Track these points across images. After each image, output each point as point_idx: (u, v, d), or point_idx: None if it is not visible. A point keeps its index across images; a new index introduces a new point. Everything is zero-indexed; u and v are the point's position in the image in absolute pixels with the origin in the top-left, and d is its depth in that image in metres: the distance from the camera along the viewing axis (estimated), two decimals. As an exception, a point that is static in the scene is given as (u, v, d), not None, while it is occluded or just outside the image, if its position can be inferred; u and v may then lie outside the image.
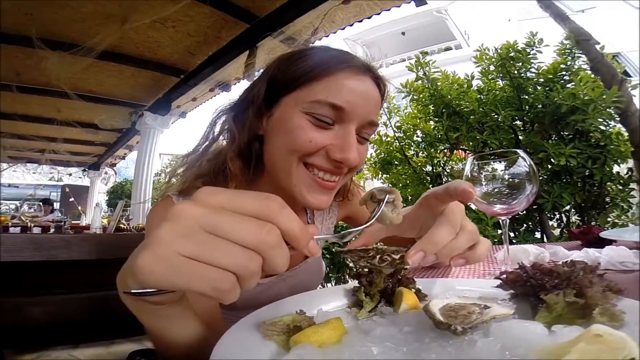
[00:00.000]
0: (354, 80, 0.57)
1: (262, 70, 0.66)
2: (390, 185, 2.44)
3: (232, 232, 0.26)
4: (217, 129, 0.68)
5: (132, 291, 0.28)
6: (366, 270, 0.45)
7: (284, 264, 0.27)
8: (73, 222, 5.51)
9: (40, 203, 5.02)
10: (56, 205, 7.78)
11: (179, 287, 0.26)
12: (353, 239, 0.45)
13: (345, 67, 0.57)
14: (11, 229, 3.12)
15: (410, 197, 2.34)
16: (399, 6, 2.97)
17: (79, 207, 9.05)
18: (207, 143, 0.68)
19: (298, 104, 0.57)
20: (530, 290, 0.38)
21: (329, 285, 2.48)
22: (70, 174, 9.89)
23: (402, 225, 0.47)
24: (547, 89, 1.95)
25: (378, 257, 0.39)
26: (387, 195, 0.44)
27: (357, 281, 0.46)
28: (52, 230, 3.31)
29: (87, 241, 0.71)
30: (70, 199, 8.98)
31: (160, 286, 0.26)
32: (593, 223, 1.83)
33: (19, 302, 0.66)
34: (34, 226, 3.23)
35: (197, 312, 0.39)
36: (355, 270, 0.46)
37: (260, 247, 0.26)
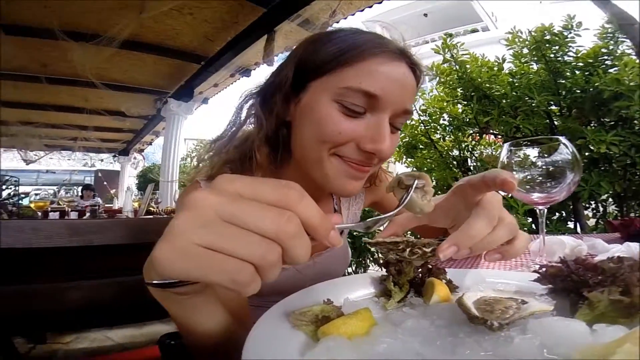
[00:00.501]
0: (389, 66, 0.53)
1: (287, 53, 0.63)
2: (414, 169, 2.39)
3: (250, 221, 0.24)
4: (244, 114, 0.66)
5: (154, 282, 0.28)
6: (395, 259, 0.43)
7: (305, 254, 0.26)
8: (106, 205, 5.82)
9: (81, 188, 5.32)
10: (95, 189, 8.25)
11: (196, 278, 0.25)
12: (380, 229, 0.43)
13: (380, 51, 0.53)
14: (50, 214, 3.33)
15: (435, 182, 2.28)
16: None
17: (112, 191, 9.55)
18: (234, 129, 0.66)
19: (327, 90, 0.54)
20: (571, 285, 0.36)
21: (349, 269, 2.49)
22: (102, 160, 10.41)
23: (433, 214, 0.43)
24: (587, 73, 1.82)
25: (408, 249, 0.37)
26: (416, 181, 0.40)
27: (384, 269, 0.45)
28: (87, 214, 3.50)
29: (120, 225, 0.73)
30: (104, 183, 9.49)
31: (179, 277, 0.25)
32: (633, 214, 1.72)
33: (58, 287, 0.69)
34: (72, 211, 3.43)
35: (223, 300, 0.39)
36: (384, 258, 0.45)
37: (279, 237, 0.25)
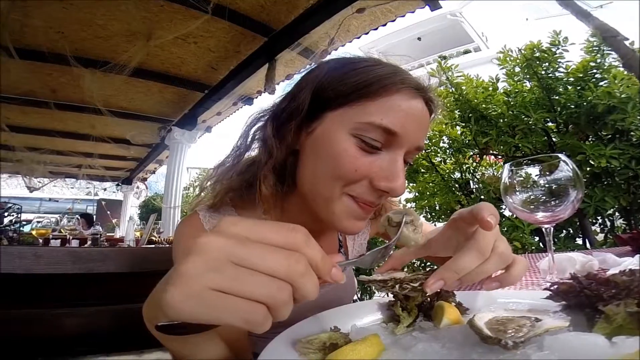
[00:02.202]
0: (411, 102, 0.52)
1: (288, 81, 0.64)
2: (417, 194, 2.38)
3: (261, 263, 0.25)
4: (250, 138, 0.63)
5: (163, 323, 0.27)
6: (421, 296, 0.43)
7: (315, 291, 0.27)
8: (108, 234, 5.79)
9: (79, 217, 5.32)
10: (94, 218, 8.24)
11: (210, 321, 0.25)
12: (381, 262, 0.44)
13: (404, 87, 0.52)
14: (52, 242, 3.31)
15: (438, 206, 2.27)
16: (413, 12, 2.95)
17: (114, 220, 9.52)
18: (238, 152, 0.64)
19: (345, 123, 0.51)
20: (585, 301, 0.35)
21: (354, 297, 2.42)
22: (105, 189, 10.47)
23: (434, 246, 0.47)
24: (578, 88, 1.86)
25: (397, 286, 0.39)
26: (405, 217, 0.44)
27: (392, 295, 0.44)
28: (89, 242, 3.48)
29: (122, 254, 0.73)
30: (107, 212, 9.49)
31: (192, 320, 0.26)
32: (641, 228, 1.69)
33: (55, 314, 0.68)
34: (73, 239, 3.42)
35: (221, 332, 0.38)
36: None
37: (290, 276, 0.26)
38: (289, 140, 0.56)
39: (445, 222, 0.48)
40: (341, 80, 0.53)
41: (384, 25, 3.13)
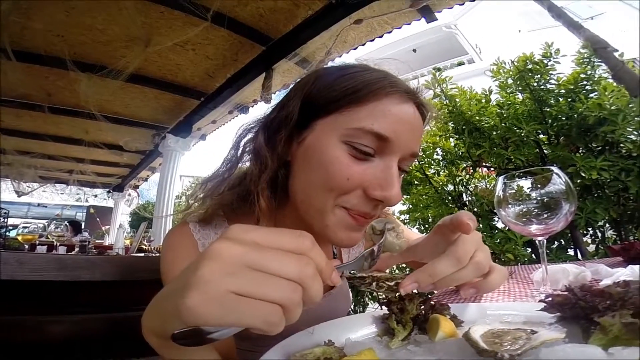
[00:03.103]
0: (401, 106, 0.51)
1: (285, 91, 0.62)
2: (410, 206, 2.39)
3: (275, 267, 0.27)
4: (240, 150, 0.61)
5: (179, 331, 0.27)
6: (397, 296, 0.43)
7: (321, 293, 0.29)
8: (97, 241, 5.67)
9: (67, 223, 5.21)
10: (82, 225, 8.09)
11: (232, 323, 0.26)
12: (371, 263, 0.46)
13: (394, 91, 0.50)
14: (38, 247, 3.24)
15: (432, 218, 2.27)
16: (409, 23, 3.02)
17: (103, 228, 9.35)
18: (229, 165, 0.62)
19: (335, 130, 0.50)
20: (580, 312, 0.36)
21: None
22: (95, 195, 10.30)
23: (419, 252, 0.50)
24: (569, 100, 1.89)
25: (374, 283, 0.41)
26: (387, 224, 0.48)
27: (386, 308, 0.44)
28: (76, 249, 3.41)
29: (110, 262, 0.71)
30: (96, 219, 9.32)
31: (212, 324, 0.26)
32: (631, 238, 1.71)
33: (41, 321, 0.67)
34: (60, 245, 3.34)
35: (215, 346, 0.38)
36: (385, 297, 0.45)
37: (301, 279, 0.28)
38: (279, 150, 0.55)
39: None
40: (330, 87, 0.52)
41: (381, 36, 3.19)
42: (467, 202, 2.25)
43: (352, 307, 2.40)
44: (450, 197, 2.27)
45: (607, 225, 1.88)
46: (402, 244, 0.46)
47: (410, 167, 2.37)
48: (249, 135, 0.61)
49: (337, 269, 0.34)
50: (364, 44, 3.30)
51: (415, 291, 0.41)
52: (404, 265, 1.76)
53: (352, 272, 0.41)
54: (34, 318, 0.66)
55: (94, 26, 2.93)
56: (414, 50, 13.33)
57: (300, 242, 0.29)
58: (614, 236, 1.86)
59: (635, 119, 1.68)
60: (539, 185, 0.57)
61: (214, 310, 0.25)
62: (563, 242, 1.92)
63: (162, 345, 0.35)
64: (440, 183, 2.33)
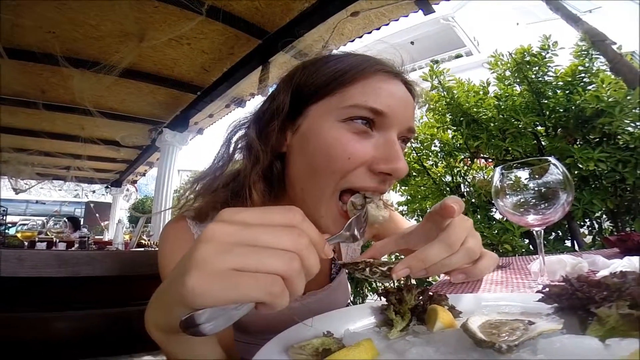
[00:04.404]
0: (390, 83, 0.52)
1: (280, 81, 0.61)
2: (409, 198, 2.40)
3: (269, 240, 0.27)
4: (232, 147, 0.61)
5: (186, 316, 0.26)
6: (395, 287, 0.44)
7: (317, 264, 0.30)
8: (96, 237, 5.66)
9: (66, 219, 5.19)
10: (81, 221, 8.07)
11: (235, 299, 0.26)
12: (362, 243, 0.48)
13: (380, 69, 0.52)
14: (38, 244, 3.23)
15: (430, 209, 2.27)
16: (406, 16, 2.99)
17: (102, 224, 9.35)
18: (221, 163, 0.61)
19: (330, 112, 0.51)
20: (577, 303, 0.36)
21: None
22: (93, 191, 10.27)
23: (412, 239, 0.49)
24: (567, 92, 1.89)
25: (367, 269, 0.41)
26: (365, 197, 0.48)
27: (384, 299, 0.44)
28: (76, 245, 3.41)
29: (110, 258, 0.71)
30: (96, 215, 9.31)
31: (216, 303, 0.26)
32: (628, 229, 1.73)
33: (43, 317, 0.67)
34: (59, 241, 3.34)
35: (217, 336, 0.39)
36: (381, 285, 0.45)
37: (297, 248, 0.28)
38: (273, 141, 0.55)
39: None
40: (318, 73, 0.54)
41: (378, 29, 3.17)
42: (465, 193, 2.26)
43: (351, 298, 2.42)
44: (448, 188, 2.28)
45: (604, 216, 1.90)
46: (384, 214, 0.46)
47: (408, 159, 2.38)
48: (240, 132, 0.61)
49: (328, 242, 0.34)
50: (361, 36, 3.27)
51: (413, 281, 0.41)
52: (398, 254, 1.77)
53: (345, 262, 0.42)
54: (35, 315, 0.67)
55: (87, 22, 2.90)
56: (412, 43, 13.22)
57: (291, 216, 0.30)
58: (611, 227, 1.87)
59: (633, 111, 1.68)
60: (537, 176, 0.57)
61: (216, 287, 0.25)
62: (560, 233, 1.94)
63: (166, 340, 0.35)
64: (438, 174, 2.33)
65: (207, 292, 0.25)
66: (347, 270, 0.46)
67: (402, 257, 0.43)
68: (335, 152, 0.49)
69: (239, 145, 0.61)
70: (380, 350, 0.34)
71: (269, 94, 0.62)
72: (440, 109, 2.23)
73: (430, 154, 2.38)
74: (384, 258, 0.50)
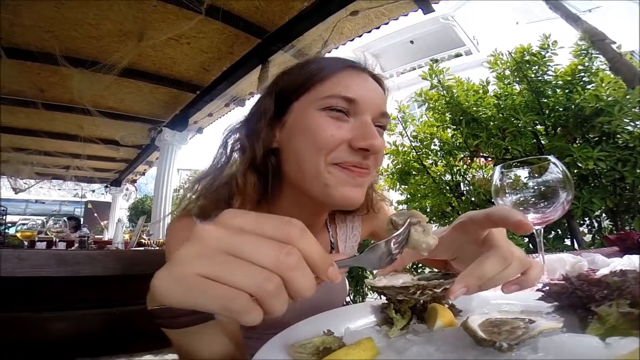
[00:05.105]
0: (357, 75, 0.61)
1: (265, 88, 0.68)
2: (408, 196, 2.40)
3: (250, 253, 0.25)
4: (229, 149, 0.68)
5: (151, 308, 0.28)
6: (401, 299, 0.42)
7: (309, 287, 0.26)
8: (96, 237, 5.66)
9: (65, 219, 5.19)
10: (81, 221, 8.06)
11: (192, 305, 0.25)
12: (387, 261, 0.39)
13: (348, 66, 0.62)
14: (37, 244, 3.23)
15: (429, 208, 2.28)
16: (406, 15, 2.98)
17: (102, 223, 9.35)
18: (219, 165, 0.67)
19: (311, 104, 0.59)
20: (577, 301, 0.36)
21: (347, 298, 2.41)
22: (93, 191, 10.25)
23: (434, 249, 0.44)
24: (567, 91, 1.89)
25: (419, 292, 0.38)
26: (410, 218, 0.38)
27: (385, 297, 0.44)
28: (76, 245, 3.40)
29: (110, 257, 0.71)
30: (94, 214, 9.30)
31: (177, 305, 0.26)
32: (627, 228, 1.73)
33: (43, 317, 0.67)
34: (59, 241, 3.34)
35: (225, 331, 0.40)
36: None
37: (278, 268, 0.25)
38: (263, 137, 0.62)
39: (437, 224, 0.48)
40: (297, 75, 0.63)
41: (378, 28, 3.16)
42: (464, 192, 2.26)
43: (351, 297, 2.42)
44: (448, 187, 2.28)
45: (604, 215, 1.90)
46: (429, 242, 0.37)
47: (408, 158, 2.38)
48: (235, 135, 0.68)
49: (340, 264, 0.29)
50: (360, 36, 3.27)
51: (423, 282, 0.40)
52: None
53: (371, 280, 0.38)
54: (35, 314, 0.67)
55: (86, 21, 2.89)
56: (412, 42, 13.23)
57: (287, 229, 0.27)
58: (611, 226, 1.87)
59: (632, 110, 1.68)
60: (536, 175, 0.57)
61: (174, 290, 0.25)
62: (560, 232, 1.94)
63: (169, 330, 0.36)
64: (438, 173, 2.33)
65: (166, 292, 0.25)
66: (386, 295, 0.42)
67: (417, 266, 0.40)
68: (319, 133, 0.56)
69: (235, 148, 0.67)
70: (381, 348, 0.34)
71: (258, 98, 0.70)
72: (439, 108, 2.23)
73: (430, 152, 2.38)
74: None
